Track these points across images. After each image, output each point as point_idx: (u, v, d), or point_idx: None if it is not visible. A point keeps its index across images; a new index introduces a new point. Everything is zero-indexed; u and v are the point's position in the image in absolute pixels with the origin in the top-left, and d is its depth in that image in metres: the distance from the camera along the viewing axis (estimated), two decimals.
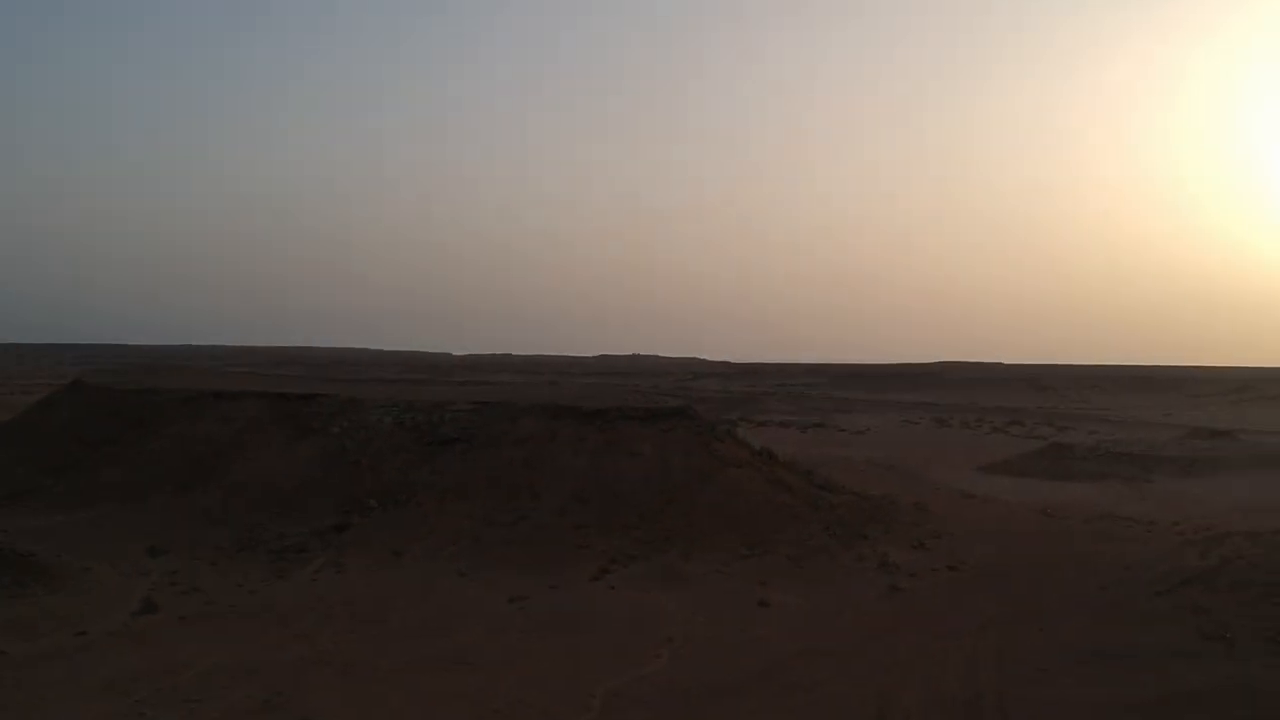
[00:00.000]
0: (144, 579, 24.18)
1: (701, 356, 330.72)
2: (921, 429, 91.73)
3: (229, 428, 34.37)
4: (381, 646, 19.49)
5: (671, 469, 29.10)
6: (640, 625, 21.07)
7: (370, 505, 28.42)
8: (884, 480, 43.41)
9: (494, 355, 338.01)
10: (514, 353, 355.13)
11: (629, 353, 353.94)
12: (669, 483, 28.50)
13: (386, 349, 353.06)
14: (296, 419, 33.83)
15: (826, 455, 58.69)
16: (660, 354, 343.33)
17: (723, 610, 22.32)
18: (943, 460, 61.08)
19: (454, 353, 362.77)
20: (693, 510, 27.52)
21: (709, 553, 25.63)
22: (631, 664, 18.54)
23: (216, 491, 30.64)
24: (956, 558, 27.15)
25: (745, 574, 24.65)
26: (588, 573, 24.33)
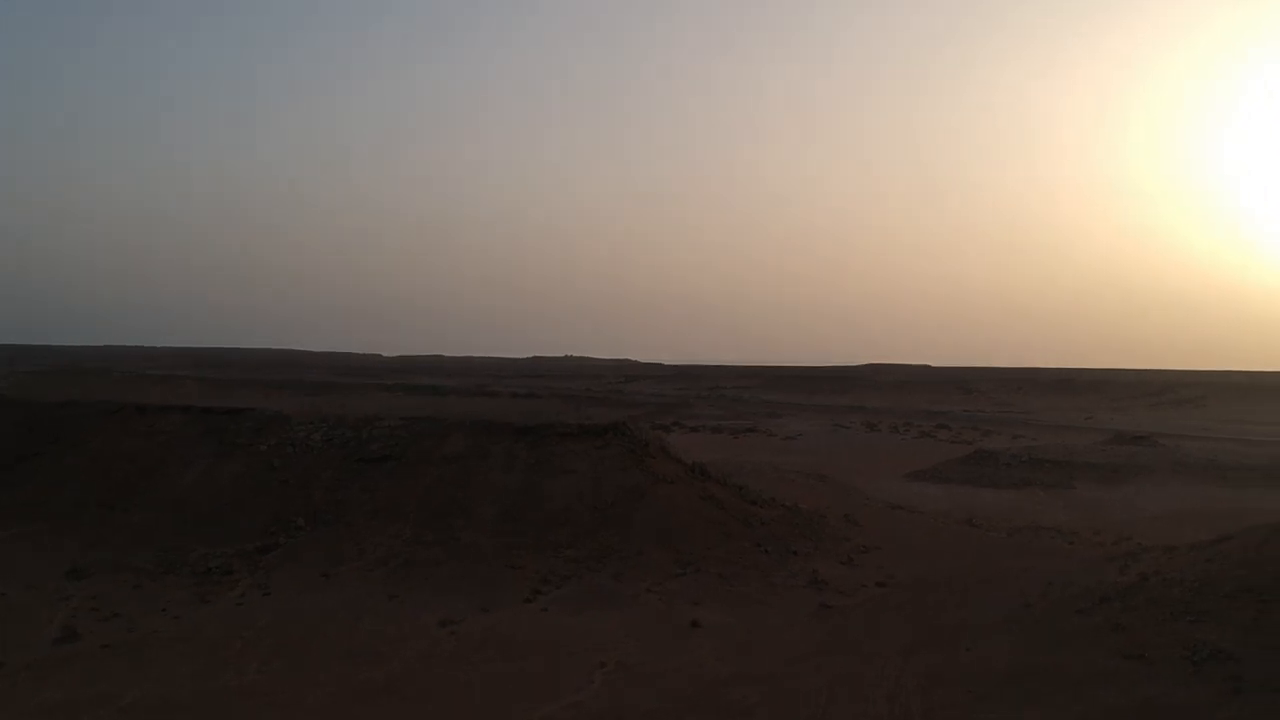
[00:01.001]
0: (64, 604, 23.64)
1: (634, 358, 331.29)
2: (852, 434, 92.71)
3: (152, 443, 33.67)
4: (311, 675, 19.24)
5: (604, 487, 29.07)
6: (572, 649, 21.02)
7: (298, 525, 28.03)
8: (815, 492, 43.78)
9: (425, 357, 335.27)
10: (445, 354, 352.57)
11: (561, 354, 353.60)
12: (602, 501, 28.47)
13: (315, 350, 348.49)
14: (222, 435, 33.24)
15: (759, 463, 59.07)
16: (593, 355, 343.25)
17: (655, 632, 22.35)
18: (872, 467, 61.84)
19: (384, 354, 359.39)
20: (626, 529, 27.51)
21: (642, 572, 25.66)
22: (564, 691, 18.51)
23: (139, 510, 29.99)
24: (885, 574, 27.49)
25: (677, 593, 24.71)
26: (520, 594, 24.22)
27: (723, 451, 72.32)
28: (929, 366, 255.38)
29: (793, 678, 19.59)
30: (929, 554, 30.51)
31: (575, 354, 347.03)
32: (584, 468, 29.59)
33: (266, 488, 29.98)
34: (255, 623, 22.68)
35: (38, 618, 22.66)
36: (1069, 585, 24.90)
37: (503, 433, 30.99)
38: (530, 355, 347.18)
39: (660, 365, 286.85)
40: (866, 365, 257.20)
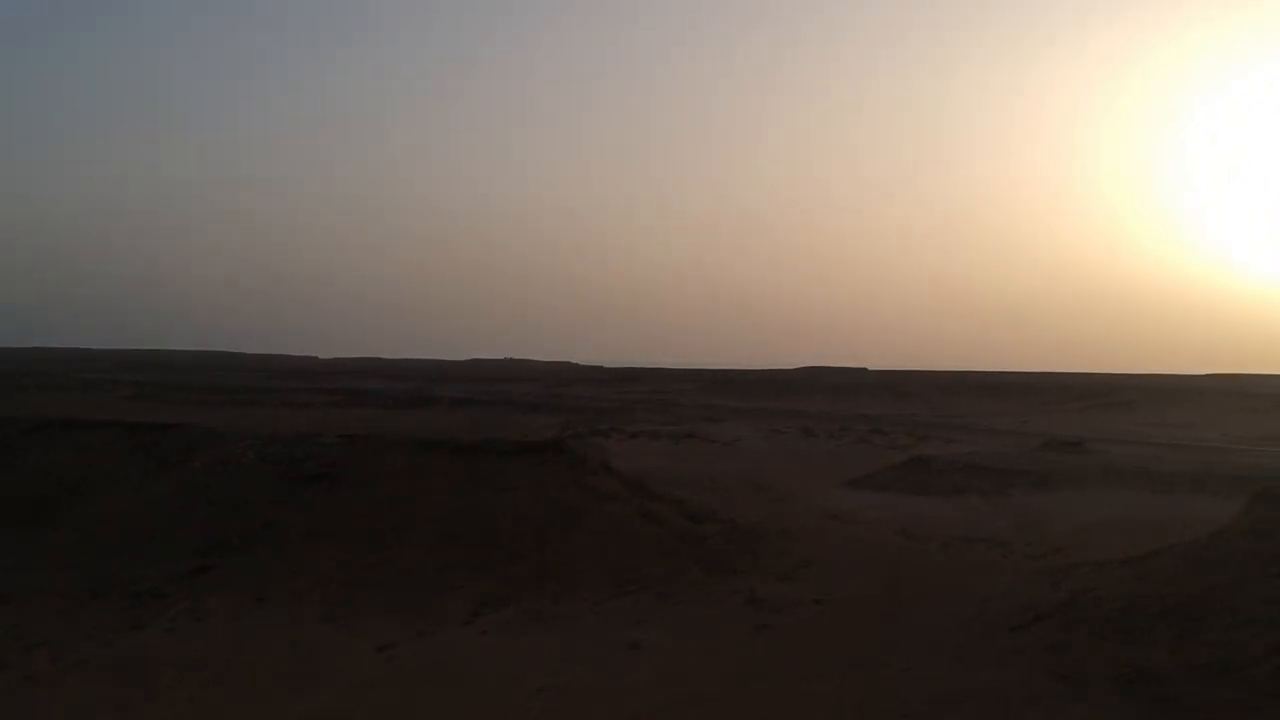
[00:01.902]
0: None
1: (573, 360, 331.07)
2: (789, 439, 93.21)
3: (78, 460, 32.94)
4: (244, 706, 18.94)
5: (544, 505, 28.98)
6: (511, 674, 20.89)
7: (232, 546, 27.58)
8: (754, 502, 44.01)
9: (361, 359, 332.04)
10: (382, 356, 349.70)
11: (501, 356, 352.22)
12: (541, 520, 28.38)
13: (248, 352, 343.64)
14: (151, 452, 32.65)
15: (698, 471, 59.26)
16: (532, 357, 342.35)
17: (595, 655, 22.28)
18: (810, 474, 62.22)
19: (320, 356, 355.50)
20: (565, 548, 27.44)
21: (582, 592, 25.59)
22: (502, 718, 18.41)
23: (65, 531, 29.33)
24: (823, 590, 27.65)
25: (617, 614, 24.66)
26: (458, 617, 24.04)
27: (662, 458, 72.42)
28: (865, 369, 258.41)
29: (729, 699, 19.65)
30: (865, 568, 30.75)
31: (515, 356, 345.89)
32: (524, 486, 29.50)
33: (198, 508, 29.47)
34: (188, 649, 22.27)
35: None
36: (1003, 602, 25.25)
37: (442, 451, 30.80)
38: (469, 357, 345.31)
39: (600, 368, 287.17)
40: (803, 368, 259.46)
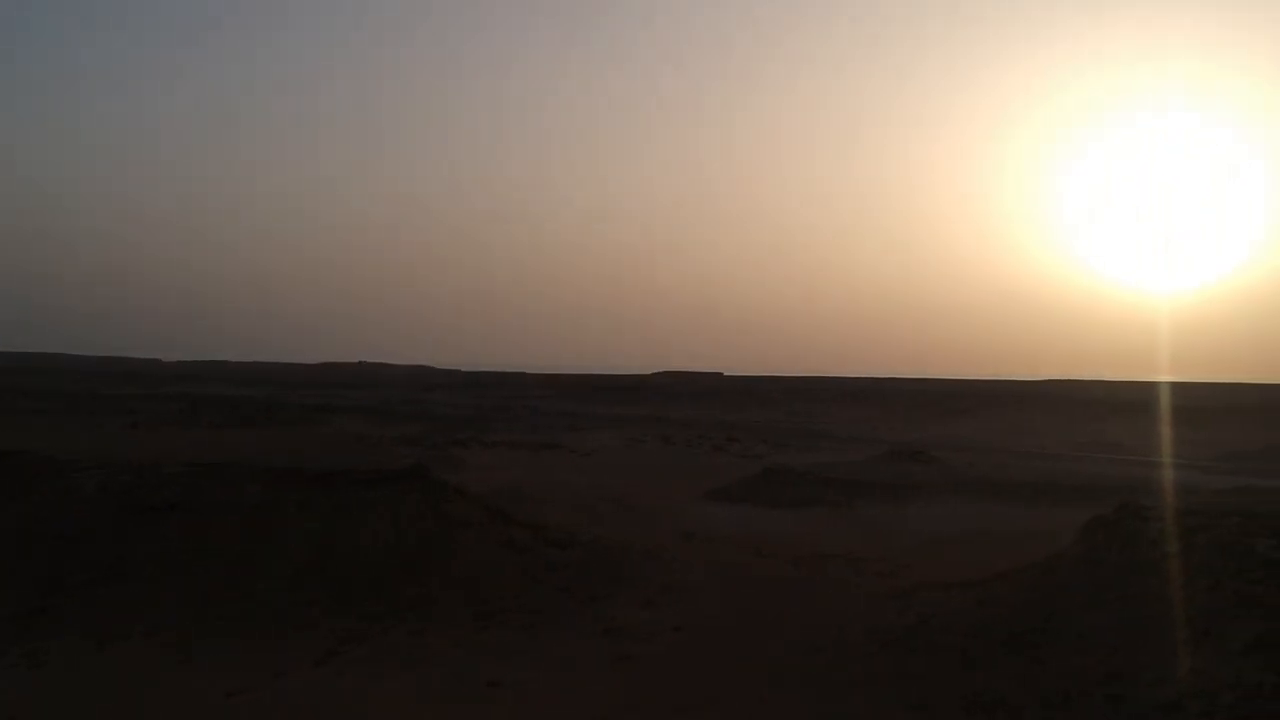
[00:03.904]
0: None
1: (430, 364, 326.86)
2: (648, 449, 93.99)
3: None
4: None
5: (403, 536, 28.62)
6: (367, 716, 20.65)
7: (73, 585, 26.40)
8: (613, 521, 44.34)
9: (208, 362, 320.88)
10: (229, 359, 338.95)
11: (354, 360, 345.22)
12: (401, 552, 28.02)
13: (86, 353, 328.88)
14: None
15: (558, 485, 59.31)
16: (388, 361, 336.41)
17: (453, 693, 22.12)
18: (668, 486, 62.92)
19: (163, 359, 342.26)
20: (425, 581, 27.15)
21: (441, 627, 25.36)
22: None
23: None
24: (683, 617, 28.02)
25: (478, 649, 24.51)
26: (315, 656, 23.54)
27: (522, 470, 72.24)
28: (721, 375, 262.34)
29: None
30: (723, 592, 31.25)
31: (369, 359, 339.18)
32: (383, 517, 29.03)
33: (36, 544, 28.11)
34: (25, 698, 21.31)
35: None
36: (854, 627, 26.07)
37: (297, 481, 30.08)
38: (321, 361, 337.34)
39: (457, 372, 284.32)
40: (660, 373, 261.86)
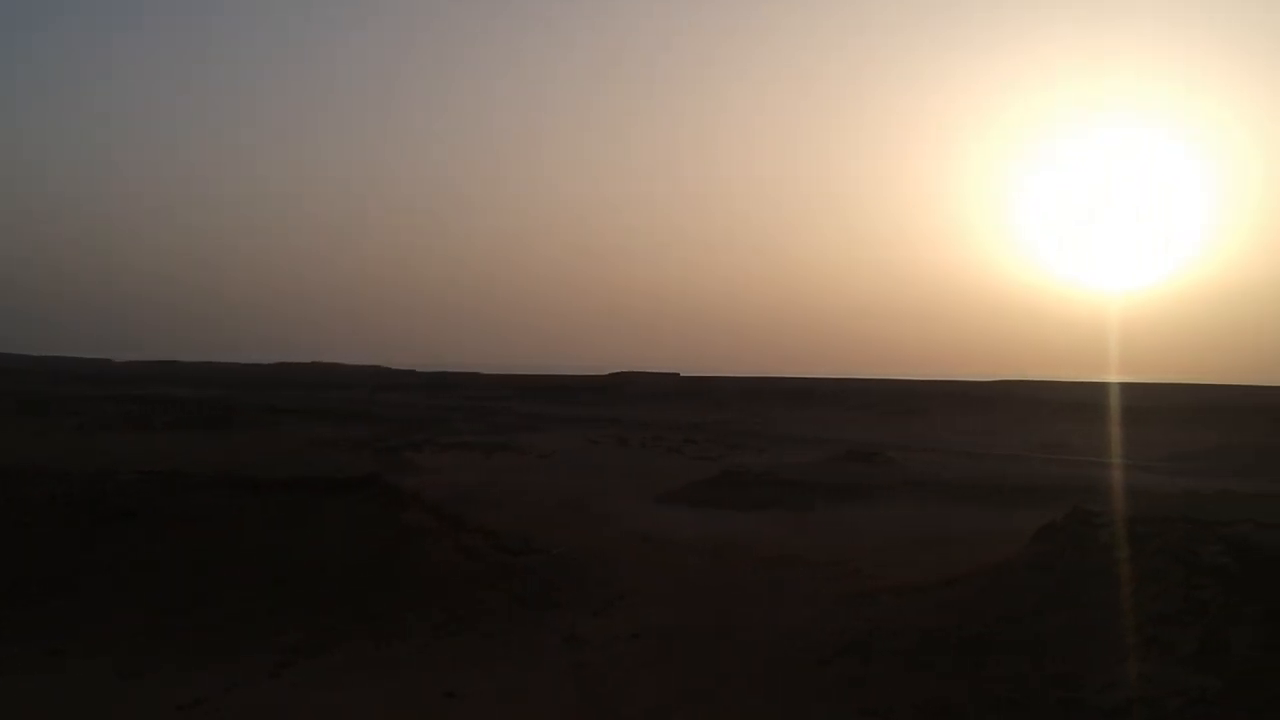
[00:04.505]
0: None
1: (386, 365, 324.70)
2: (604, 450, 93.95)
3: None
4: None
5: (359, 545, 28.44)
6: None
7: (23, 596, 25.98)
8: (570, 525, 44.35)
9: (160, 362, 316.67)
10: (181, 359, 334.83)
11: (309, 360, 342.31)
12: (357, 560, 27.83)
13: (34, 354, 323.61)
14: None
15: (514, 488, 59.28)
16: (342, 361, 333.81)
17: (410, 704, 22.01)
18: (625, 488, 63.02)
19: (114, 359, 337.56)
20: (381, 589, 26.99)
21: (398, 636, 25.22)
22: None
23: None
24: (638, 623, 28.07)
25: (434, 658, 24.43)
26: (270, 667, 23.32)
27: (478, 473, 72.02)
28: (677, 375, 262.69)
29: None
30: (679, 597, 31.36)
31: (323, 359, 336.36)
32: (336, 525, 28.86)
33: None
34: None
35: None
36: (809, 633, 26.27)
37: (252, 488, 29.79)
38: (275, 361, 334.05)
39: (413, 373, 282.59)
40: (616, 373, 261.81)
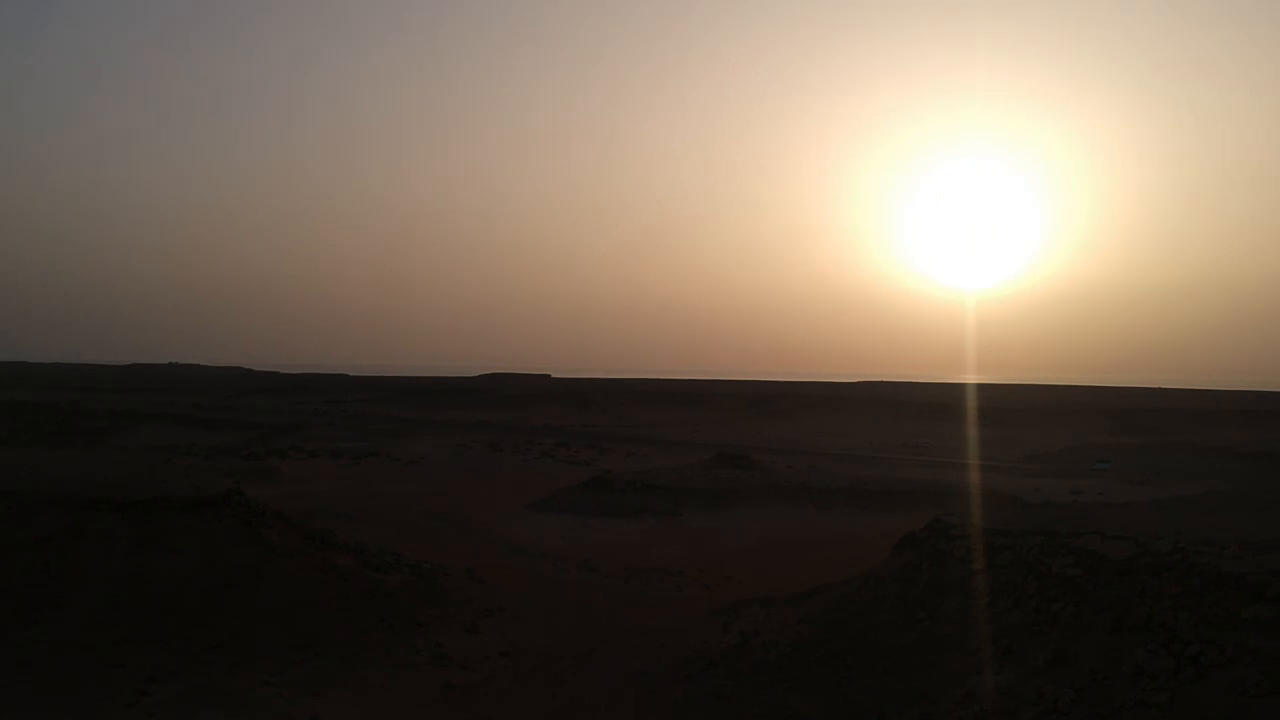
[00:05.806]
0: None
1: (247, 365, 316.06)
2: (475, 456, 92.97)
3: None
4: None
5: (217, 566, 27.45)
6: None
7: None
8: (438, 538, 43.83)
9: (7, 363, 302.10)
10: (31, 360, 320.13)
11: (165, 361, 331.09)
12: (215, 582, 26.87)
13: None
14: None
15: (382, 498, 58.16)
16: (200, 362, 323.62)
17: None
18: (495, 496, 62.46)
19: None
20: (240, 613, 26.12)
21: (260, 660, 24.47)
22: None
23: None
24: (508, 641, 27.86)
25: (297, 683, 23.76)
26: (123, 698, 22.36)
27: (344, 483, 70.41)
28: (549, 377, 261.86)
29: None
30: (550, 612, 31.24)
31: (181, 360, 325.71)
32: (194, 545, 27.78)
33: None
34: None
35: None
36: (678, 646, 26.47)
37: (102, 509, 28.37)
38: (130, 362, 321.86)
39: (276, 374, 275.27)
40: (486, 375, 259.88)
